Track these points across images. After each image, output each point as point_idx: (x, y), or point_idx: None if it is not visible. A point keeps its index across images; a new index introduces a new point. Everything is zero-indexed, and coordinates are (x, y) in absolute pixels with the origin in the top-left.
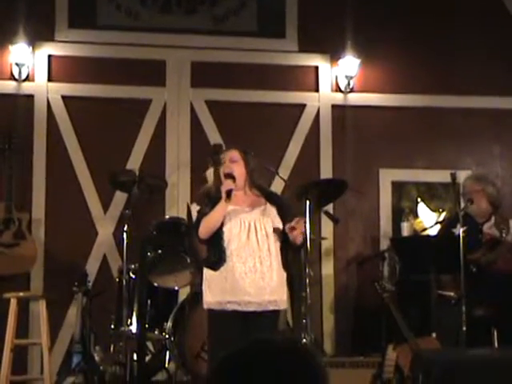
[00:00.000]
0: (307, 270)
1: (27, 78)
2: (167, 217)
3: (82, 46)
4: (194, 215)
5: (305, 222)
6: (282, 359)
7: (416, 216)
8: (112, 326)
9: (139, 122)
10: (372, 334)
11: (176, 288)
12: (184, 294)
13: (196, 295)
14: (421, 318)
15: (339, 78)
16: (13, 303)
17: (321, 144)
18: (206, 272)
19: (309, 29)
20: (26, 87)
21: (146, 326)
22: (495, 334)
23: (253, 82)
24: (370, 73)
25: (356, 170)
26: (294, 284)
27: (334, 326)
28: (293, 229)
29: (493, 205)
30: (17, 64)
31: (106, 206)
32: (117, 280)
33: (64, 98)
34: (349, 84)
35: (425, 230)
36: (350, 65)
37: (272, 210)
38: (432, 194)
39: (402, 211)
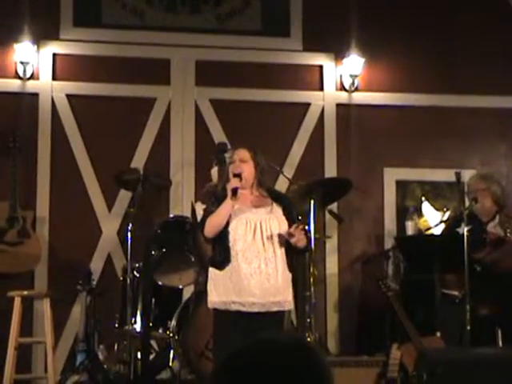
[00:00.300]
0: (311, 269)
1: (32, 77)
2: (171, 215)
3: (87, 45)
4: (199, 214)
5: (303, 229)
6: (286, 357)
7: (421, 215)
8: (116, 325)
9: (144, 120)
10: (376, 333)
11: (180, 287)
12: (188, 292)
13: (200, 294)
14: (425, 317)
15: (344, 76)
16: (17, 301)
17: (325, 143)
18: (212, 271)
19: (313, 28)
20: (31, 86)
21: (150, 324)
22: (499, 333)
23: (257, 81)
24: (375, 72)
25: (360, 168)
26: (298, 283)
27: (338, 325)
28: (291, 235)
29: (497, 204)
30: (21, 62)
31: (110, 205)
32: (121, 279)
33: (68, 96)
34: (353, 83)
35: (429, 229)
36: (354, 64)
37: (278, 211)
38: (437, 193)
39: (407, 210)
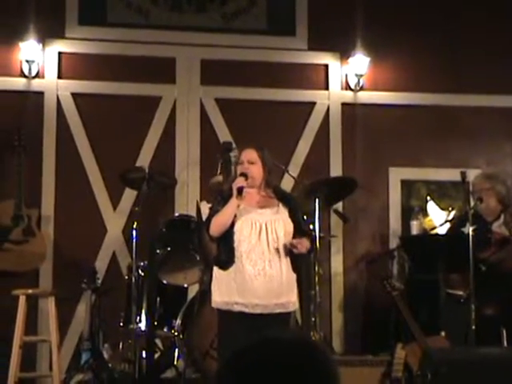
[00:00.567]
0: (316, 269)
1: (37, 75)
2: (177, 214)
3: (92, 44)
4: (204, 213)
5: (307, 240)
6: (292, 355)
7: (426, 214)
8: (121, 324)
9: (149, 119)
10: (381, 333)
11: (185, 285)
12: (193, 291)
13: (205, 293)
14: (430, 317)
15: (349, 76)
16: (22, 300)
17: (330, 142)
18: (216, 271)
19: (319, 27)
20: (36, 84)
21: (155, 323)
22: (504, 332)
23: (263, 80)
24: (380, 71)
25: (366, 168)
26: (303, 282)
27: (343, 325)
28: (294, 246)
29: (502, 203)
30: (27, 61)
31: (115, 203)
32: (126, 277)
33: (74, 95)
34: (359, 82)
35: (434, 228)
36: (359, 63)
37: (284, 212)
38: (442, 192)
39: (412, 210)
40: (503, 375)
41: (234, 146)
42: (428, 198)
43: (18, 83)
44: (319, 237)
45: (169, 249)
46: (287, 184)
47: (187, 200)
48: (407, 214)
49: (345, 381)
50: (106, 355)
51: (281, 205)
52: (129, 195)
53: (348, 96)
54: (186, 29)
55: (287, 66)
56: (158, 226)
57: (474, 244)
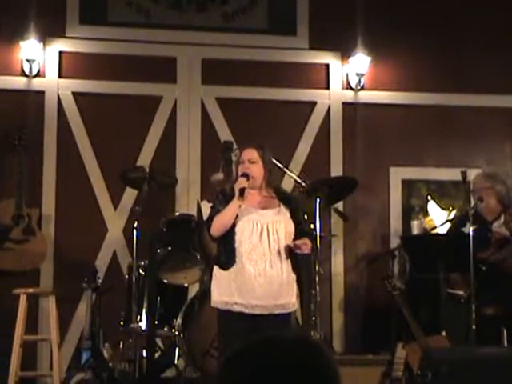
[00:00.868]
0: (317, 268)
1: (38, 75)
2: (177, 214)
3: (93, 43)
4: (205, 212)
5: (309, 251)
6: (293, 355)
7: (426, 214)
8: (121, 323)
9: (150, 118)
10: (381, 332)
11: (186, 285)
12: (193, 290)
13: (205, 292)
14: (430, 317)
15: (350, 75)
16: (22, 299)
17: (331, 142)
18: (216, 271)
19: (320, 26)
20: (37, 83)
21: (156, 322)
22: (505, 332)
23: (263, 80)
24: (381, 70)
25: (366, 167)
26: (304, 282)
27: (343, 324)
28: (296, 247)
29: (502, 203)
30: (28, 60)
31: (116, 203)
32: (126, 276)
33: (74, 94)
34: (359, 82)
35: (435, 228)
36: (360, 62)
37: (285, 213)
38: (442, 192)
39: (412, 209)
40: (504, 375)
41: (234, 145)
42: (428, 197)
43: (19, 82)
44: (320, 236)
45: (169, 248)
46: (287, 184)
47: (188, 199)
48: (408, 213)
49: (345, 380)
50: (106, 354)
51: (282, 205)
52: (129, 194)
53: (349, 95)
54: (187, 28)
55: (288, 66)
56: (159, 225)
57: (475, 244)
